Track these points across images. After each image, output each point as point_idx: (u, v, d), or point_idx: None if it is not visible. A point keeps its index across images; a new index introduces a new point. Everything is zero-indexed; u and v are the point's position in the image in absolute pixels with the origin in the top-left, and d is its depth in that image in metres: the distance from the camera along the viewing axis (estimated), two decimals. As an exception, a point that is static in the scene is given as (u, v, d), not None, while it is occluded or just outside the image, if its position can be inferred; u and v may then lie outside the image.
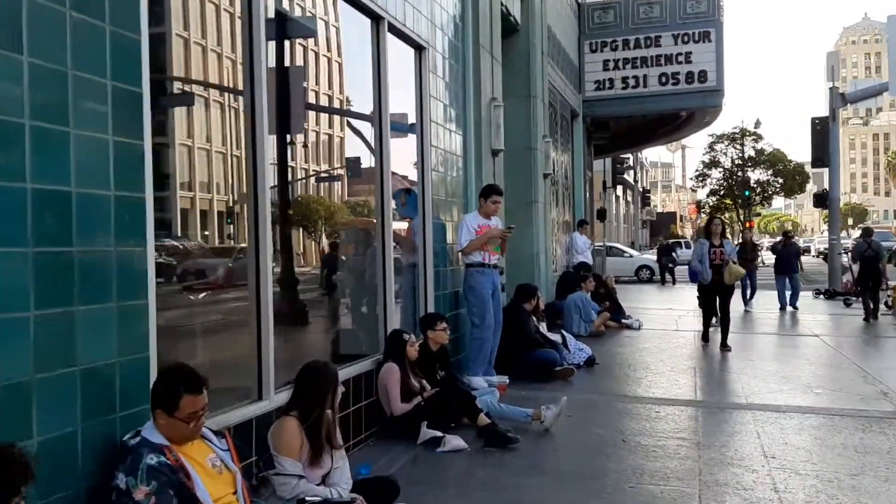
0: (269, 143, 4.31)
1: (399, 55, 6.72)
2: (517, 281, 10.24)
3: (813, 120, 21.58)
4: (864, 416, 6.33)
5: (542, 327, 9.09)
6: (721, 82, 16.18)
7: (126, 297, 3.12)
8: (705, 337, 10.73)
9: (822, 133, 20.52)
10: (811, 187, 72.39)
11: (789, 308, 15.46)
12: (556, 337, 9.02)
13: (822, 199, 21.62)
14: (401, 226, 6.94)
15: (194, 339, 4.55)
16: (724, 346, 10.02)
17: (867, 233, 15.41)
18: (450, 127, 7.73)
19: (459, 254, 7.42)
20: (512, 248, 11.00)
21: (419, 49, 6.93)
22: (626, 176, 41.97)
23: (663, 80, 16.42)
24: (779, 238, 18.13)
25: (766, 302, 15.77)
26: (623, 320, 12.86)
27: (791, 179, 54.11)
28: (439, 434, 5.31)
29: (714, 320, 12.94)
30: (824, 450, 5.38)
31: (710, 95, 16.43)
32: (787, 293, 15.69)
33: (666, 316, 14.66)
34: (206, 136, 4.66)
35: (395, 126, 6.89)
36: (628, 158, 40.50)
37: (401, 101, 6.93)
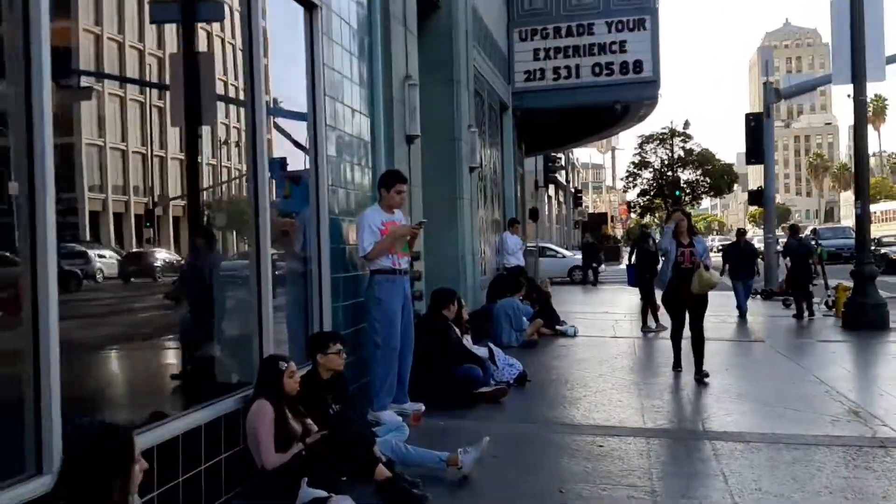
0: (49, 113, 2.97)
1: (286, 12, 5.46)
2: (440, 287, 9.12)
3: (747, 116, 21.09)
4: (842, 446, 5.33)
5: (467, 340, 7.90)
6: (657, 73, 15.32)
7: None
8: (677, 363, 8.27)
9: (757, 129, 19.99)
10: (736, 188, 73.76)
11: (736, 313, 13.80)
12: (482, 351, 7.85)
13: (757, 196, 21.11)
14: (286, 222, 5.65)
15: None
16: (699, 374, 7.81)
17: (794, 231, 14.89)
18: (353, 106, 6.47)
19: (364, 260, 6.15)
20: (434, 250, 9.85)
21: (310, 7, 5.65)
22: (557, 176, 41.32)
23: (597, 70, 15.46)
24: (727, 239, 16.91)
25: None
26: (557, 327, 11.83)
27: (719, 179, 54.61)
28: (323, 494, 4.04)
29: (654, 324, 12.07)
30: (808, 498, 4.32)
31: (646, 87, 15.55)
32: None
33: (602, 320, 13.70)
34: (120, 134, 4.08)
35: (283, 112, 5.67)
36: (560, 158, 39.87)
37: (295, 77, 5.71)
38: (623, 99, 16.01)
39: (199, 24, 4.78)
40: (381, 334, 6.10)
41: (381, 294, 6.11)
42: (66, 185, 3.66)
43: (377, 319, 6.11)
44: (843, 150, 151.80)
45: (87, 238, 3.91)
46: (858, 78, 12.56)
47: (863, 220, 12.66)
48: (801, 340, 11.40)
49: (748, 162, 21.34)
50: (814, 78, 18.93)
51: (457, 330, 7.58)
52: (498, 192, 15.35)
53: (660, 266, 8.62)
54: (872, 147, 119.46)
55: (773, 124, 20.18)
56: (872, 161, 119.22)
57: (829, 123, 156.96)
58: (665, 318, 12.37)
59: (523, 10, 15.82)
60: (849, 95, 12.93)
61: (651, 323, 12.35)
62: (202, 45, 4.86)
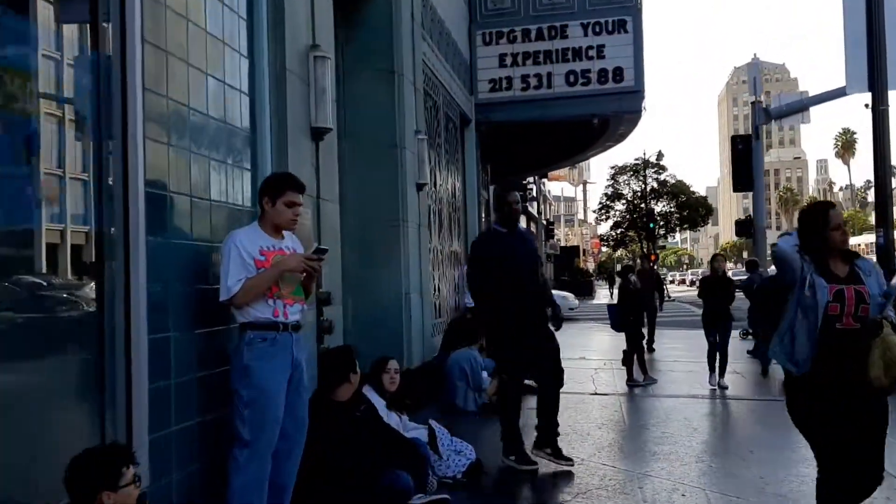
0: None
1: None
2: (375, 341, 6.99)
3: (734, 139, 19.40)
4: None
5: (401, 421, 5.65)
6: (640, 82, 13.33)
7: None
8: None
9: (745, 153, 18.14)
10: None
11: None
12: (419, 432, 5.62)
13: (745, 227, 19.25)
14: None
15: None
16: None
17: (753, 266, 13.58)
18: (215, 74, 4.27)
19: (230, 306, 3.90)
20: (366, 289, 7.66)
21: None
22: (529, 206, 39.51)
23: (571, 79, 13.43)
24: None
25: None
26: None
27: (693, 211, 53.36)
28: None
29: (642, 377, 9.94)
30: None
31: (627, 98, 13.53)
32: None
33: (579, 370, 11.50)
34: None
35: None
36: (532, 189, 38.10)
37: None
38: (601, 112, 14.00)
39: None
40: (250, 424, 3.85)
41: (254, 361, 3.85)
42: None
43: (247, 401, 3.85)
44: (812, 184, 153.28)
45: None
46: (877, 85, 10.75)
47: (887, 251, 10.70)
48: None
49: (735, 189, 19.56)
50: (808, 97, 17.16)
51: (380, 406, 5.33)
52: (458, 219, 13.16)
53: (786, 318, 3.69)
54: (843, 180, 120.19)
55: (761, 148, 18.39)
56: (841, 195, 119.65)
57: (798, 158, 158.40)
58: (659, 366, 10.47)
59: (487, 9, 13.78)
60: (866, 105, 11.06)
61: (638, 375, 10.26)
62: None
